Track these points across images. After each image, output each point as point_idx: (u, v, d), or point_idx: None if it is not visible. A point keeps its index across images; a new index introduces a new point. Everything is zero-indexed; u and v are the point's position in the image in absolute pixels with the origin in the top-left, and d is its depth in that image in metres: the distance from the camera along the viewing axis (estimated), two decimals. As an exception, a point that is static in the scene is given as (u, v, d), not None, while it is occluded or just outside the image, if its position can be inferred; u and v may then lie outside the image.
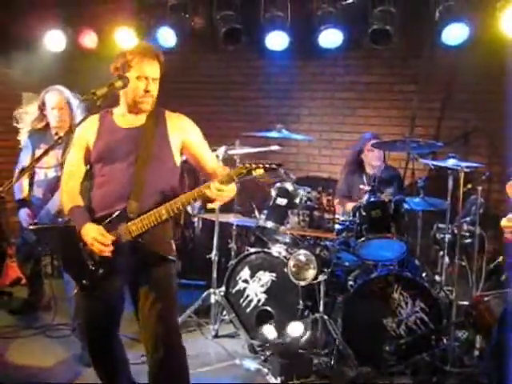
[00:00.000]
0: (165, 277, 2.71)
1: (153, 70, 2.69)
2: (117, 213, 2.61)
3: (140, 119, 2.76)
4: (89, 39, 5.75)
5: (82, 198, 2.74)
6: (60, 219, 3.67)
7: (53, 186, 3.82)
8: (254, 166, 2.40)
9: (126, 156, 2.66)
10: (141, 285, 2.66)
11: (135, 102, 2.70)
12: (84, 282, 2.70)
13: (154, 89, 2.73)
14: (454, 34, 4.81)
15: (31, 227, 3.13)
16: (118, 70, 2.67)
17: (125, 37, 5.58)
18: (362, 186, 4.38)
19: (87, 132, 2.76)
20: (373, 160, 4.79)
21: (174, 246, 2.80)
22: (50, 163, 3.83)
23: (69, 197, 2.74)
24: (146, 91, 2.68)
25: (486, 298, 3.84)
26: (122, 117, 2.78)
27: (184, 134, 2.80)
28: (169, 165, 2.76)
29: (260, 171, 2.41)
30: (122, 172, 2.65)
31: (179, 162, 2.82)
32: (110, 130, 2.75)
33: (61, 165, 3.77)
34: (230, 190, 2.52)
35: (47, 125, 4.06)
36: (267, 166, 2.41)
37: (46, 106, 4.01)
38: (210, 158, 2.90)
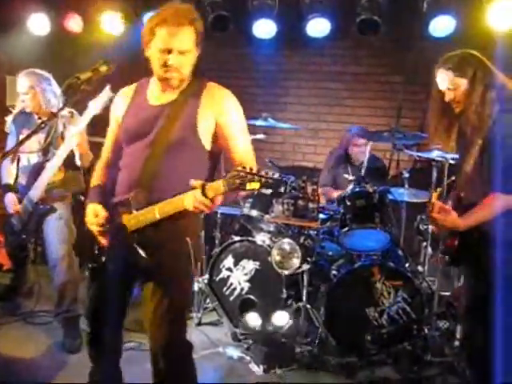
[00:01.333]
0: (173, 277, 2.41)
1: (179, 40, 2.28)
2: (118, 199, 2.43)
3: (172, 94, 2.42)
4: (74, 23, 5.66)
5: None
6: (41, 206, 3.65)
7: (35, 172, 3.73)
8: (249, 177, 2.02)
9: (145, 137, 2.38)
10: (148, 282, 2.44)
11: (159, 77, 2.39)
12: (90, 265, 2.56)
13: (180, 62, 2.32)
14: (442, 25, 4.83)
15: None
16: (145, 37, 2.34)
17: (111, 21, 5.50)
18: (346, 176, 4.39)
19: (116, 109, 2.54)
20: (359, 155, 4.81)
21: (190, 244, 2.41)
22: (33, 148, 3.75)
23: (94, 177, 2.58)
24: (166, 66, 2.31)
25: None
26: (156, 92, 2.46)
27: (219, 112, 2.39)
28: (193, 150, 2.38)
29: (255, 185, 2.02)
30: (138, 155, 2.38)
31: (209, 147, 2.43)
32: (139, 106, 2.47)
33: (43, 150, 3.72)
34: (215, 204, 2.17)
35: None
36: (264, 180, 2.03)
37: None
38: (243, 149, 2.42)
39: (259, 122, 4.56)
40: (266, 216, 4.14)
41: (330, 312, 3.91)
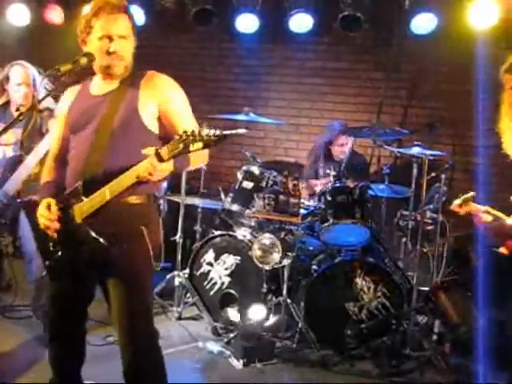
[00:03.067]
0: (130, 266, 2.36)
1: (117, 25, 2.33)
2: (69, 190, 2.37)
3: (114, 84, 2.44)
4: (54, 14, 5.60)
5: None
6: (19, 200, 3.59)
7: (11, 165, 3.66)
8: (191, 138, 2.00)
9: (90, 126, 2.37)
10: (106, 274, 2.38)
11: (102, 66, 2.39)
12: (47, 262, 2.49)
13: (122, 48, 2.36)
14: (423, 23, 4.87)
15: None
16: (82, 33, 2.38)
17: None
18: (328, 171, 4.41)
19: (63, 104, 2.54)
20: (340, 154, 4.82)
21: (147, 233, 2.38)
22: (9, 141, 3.70)
23: (44, 174, 2.56)
24: (110, 52, 2.34)
25: (445, 284, 3.93)
26: (98, 83, 2.48)
27: (160, 99, 2.40)
28: (139, 133, 2.37)
29: (199, 145, 2.01)
30: (83, 144, 2.38)
31: (157, 130, 2.42)
32: (83, 99, 2.48)
33: (20, 143, 3.67)
34: (165, 169, 2.17)
35: (8, 102, 3.91)
36: (206, 138, 2.00)
37: (11, 81, 3.85)
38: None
39: (241, 117, 4.55)
40: (247, 211, 4.15)
41: (310, 307, 3.92)
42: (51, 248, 2.44)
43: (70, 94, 2.56)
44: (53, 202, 2.38)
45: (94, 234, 2.29)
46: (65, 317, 2.52)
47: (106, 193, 2.24)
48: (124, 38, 2.36)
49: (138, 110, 2.37)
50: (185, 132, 2.02)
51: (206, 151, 2.38)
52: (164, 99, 2.41)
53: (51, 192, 2.45)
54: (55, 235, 2.38)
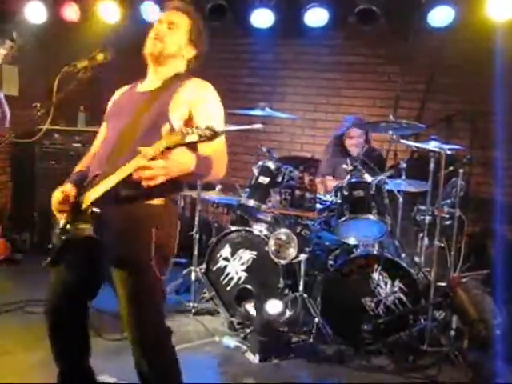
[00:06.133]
0: (137, 256, 2.31)
1: (171, 15, 2.47)
2: (88, 180, 2.37)
3: (156, 83, 2.47)
4: (71, 11, 5.62)
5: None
6: None
7: None
8: (187, 130, 2.00)
9: (123, 120, 2.39)
10: (113, 264, 2.33)
11: (147, 53, 2.46)
12: (49, 245, 2.44)
13: (166, 33, 2.44)
14: (440, 16, 4.82)
15: None
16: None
17: (108, 9, 5.49)
18: (344, 166, 4.37)
19: (110, 101, 2.60)
20: (353, 147, 4.78)
21: (157, 235, 2.32)
22: None
23: (79, 164, 2.57)
24: (154, 37, 2.44)
25: (463, 280, 3.90)
26: (145, 82, 2.53)
27: (194, 101, 2.39)
28: (162, 134, 2.27)
29: (194, 137, 2.00)
30: (113, 136, 2.40)
31: None
32: (127, 95, 2.55)
33: None
34: (158, 169, 2.07)
35: None
36: (201, 132, 1.99)
37: None
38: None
39: (257, 112, 4.54)
40: (263, 206, 4.14)
41: (326, 302, 3.91)
42: (57, 232, 2.40)
43: (117, 93, 2.61)
44: (69, 186, 2.36)
45: (85, 224, 2.26)
46: (64, 305, 2.47)
47: (110, 180, 2.20)
48: (172, 24, 2.45)
49: (168, 111, 2.34)
50: (182, 127, 2.04)
51: (224, 163, 2.39)
52: (194, 102, 2.39)
53: (75, 180, 2.43)
54: (62, 218, 2.36)
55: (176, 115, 2.34)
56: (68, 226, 2.37)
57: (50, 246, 2.44)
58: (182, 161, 2.13)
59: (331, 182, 4.63)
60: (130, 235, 2.31)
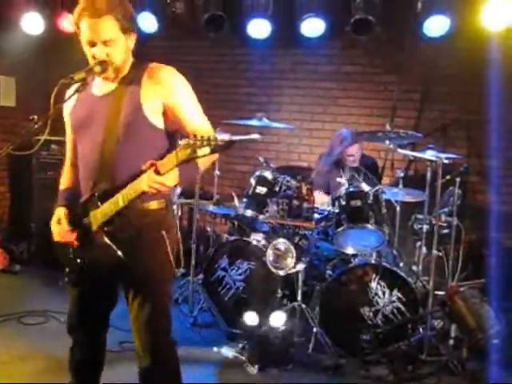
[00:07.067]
0: (150, 273, 2.35)
1: (99, 30, 2.19)
2: (85, 198, 2.36)
3: (114, 83, 2.36)
4: (67, 22, 5.63)
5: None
6: None
7: None
8: (198, 143, 1.94)
9: (95, 129, 2.30)
10: (127, 282, 2.39)
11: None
12: (67, 269, 2.47)
13: (105, 52, 2.24)
14: (436, 25, 4.83)
15: None
16: (77, 33, 2.27)
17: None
18: (338, 180, 4.35)
19: (66, 105, 2.41)
20: (353, 163, 4.74)
21: (168, 239, 2.38)
22: None
23: (62, 180, 2.55)
24: (95, 58, 2.25)
25: (461, 289, 3.90)
26: (99, 82, 2.38)
27: (165, 93, 2.30)
28: (146, 131, 2.30)
29: (206, 150, 1.96)
30: (92, 148, 2.31)
31: (162, 126, 2.34)
32: (85, 99, 2.37)
33: None
34: (170, 180, 2.12)
35: None
36: (213, 143, 1.95)
37: None
38: (198, 124, 2.31)
39: (254, 122, 4.55)
40: (261, 216, 4.14)
41: (324, 312, 3.91)
42: (70, 255, 2.43)
43: (72, 93, 2.37)
44: (63, 213, 2.39)
45: (109, 242, 2.27)
46: (86, 323, 2.52)
47: (119, 200, 2.22)
48: (108, 41, 2.23)
49: (141, 107, 2.28)
50: (194, 136, 1.97)
51: (210, 159, 2.33)
52: (168, 93, 2.31)
53: (67, 200, 2.45)
54: (75, 243, 2.38)
55: (150, 110, 2.30)
56: (82, 249, 2.39)
57: (67, 270, 2.46)
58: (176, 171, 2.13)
59: (321, 198, 4.59)
60: (145, 245, 2.33)
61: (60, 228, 2.39)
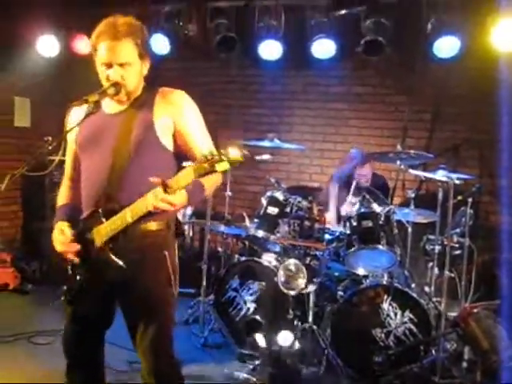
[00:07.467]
0: (153, 295, 2.35)
1: (116, 53, 2.26)
2: (88, 213, 2.34)
3: (126, 103, 2.39)
4: (82, 44, 5.73)
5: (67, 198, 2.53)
6: None
7: None
8: (216, 158, 1.92)
9: (105, 147, 2.32)
10: (128, 303, 2.38)
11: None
12: (65, 287, 2.44)
13: (122, 76, 2.29)
14: (446, 46, 4.84)
15: None
16: (93, 54, 2.33)
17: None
18: (348, 199, 4.35)
19: (73, 122, 2.39)
20: (365, 182, 4.75)
21: (169, 259, 2.38)
22: None
23: (60, 196, 2.56)
24: (109, 80, 2.29)
25: (474, 310, 3.86)
26: (109, 101, 2.39)
27: (175, 113, 2.35)
28: (156, 152, 2.33)
29: (225, 165, 1.93)
30: (100, 165, 2.32)
31: (172, 147, 2.38)
32: (94, 116, 2.38)
33: None
34: (180, 200, 2.12)
35: None
36: (233, 157, 1.93)
37: None
38: (206, 148, 2.16)
39: (265, 143, 4.58)
40: (272, 236, 4.14)
41: (336, 333, 3.88)
42: (69, 271, 2.40)
43: (78, 111, 2.41)
44: (66, 225, 2.37)
45: (115, 258, 2.25)
46: (82, 342, 2.49)
47: (127, 216, 2.21)
48: (125, 64, 2.29)
49: (154, 127, 2.32)
50: (210, 152, 1.96)
51: (218, 180, 2.34)
52: (179, 115, 2.36)
53: (67, 215, 2.45)
54: (75, 259, 2.35)
55: (162, 131, 2.33)
56: (82, 266, 2.37)
57: (65, 287, 2.43)
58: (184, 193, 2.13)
59: (330, 217, 4.58)
60: (147, 263, 2.33)
61: (63, 238, 2.35)
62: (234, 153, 1.94)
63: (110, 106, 2.42)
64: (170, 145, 2.38)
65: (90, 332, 2.49)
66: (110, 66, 2.29)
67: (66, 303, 2.45)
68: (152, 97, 2.38)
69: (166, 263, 2.37)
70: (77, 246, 2.34)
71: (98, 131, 2.38)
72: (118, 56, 2.27)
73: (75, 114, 2.41)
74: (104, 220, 2.28)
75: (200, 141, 2.37)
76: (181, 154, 2.42)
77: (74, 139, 2.48)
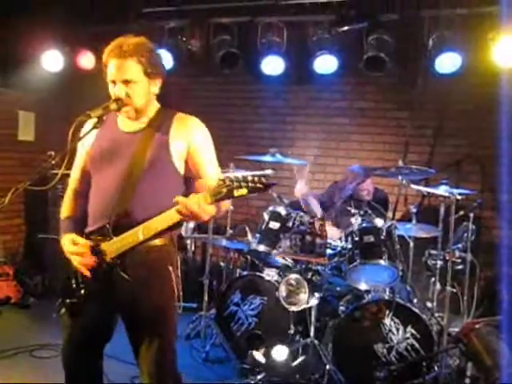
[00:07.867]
0: (158, 309, 2.39)
1: (121, 70, 2.35)
2: (93, 228, 2.38)
3: (142, 122, 2.46)
4: (86, 60, 5.78)
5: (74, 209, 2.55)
6: None
7: None
8: (235, 184, 2.00)
9: (119, 163, 2.38)
10: (133, 315, 2.40)
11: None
12: (67, 300, 2.44)
13: (124, 92, 2.36)
14: (447, 62, 4.87)
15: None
16: (105, 73, 2.42)
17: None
18: (349, 209, 4.35)
19: (86, 137, 2.42)
20: (366, 196, 4.77)
21: (174, 274, 2.43)
22: None
23: (64, 209, 2.57)
24: (114, 96, 2.38)
25: (477, 325, 3.84)
26: (125, 119, 2.47)
27: (190, 139, 2.42)
28: (169, 174, 2.40)
29: (243, 191, 2.00)
30: (113, 181, 2.37)
31: (183, 171, 2.45)
32: (110, 132, 2.46)
33: None
34: (210, 211, 2.18)
35: None
36: (252, 184, 2.00)
37: None
38: (215, 176, 2.34)
39: (267, 158, 4.59)
40: (274, 251, 4.14)
41: (338, 348, 3.87)
42: (73, 285, 2.42)
43: (88, 131, 2.41)
44: (75, 236, 2.38)
45: (123, 274, 2.29)
46: (82, 355, 2.50)
47: (138, 234, 2.25)
48: (129, 82, 2.36)
49: (169, 149, 2.38)
50: (228, 177, 2.01)
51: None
52: (193, 136, 2.43)
53: (72, 228, 2.46)
54: (88, 272, 2.36)
55: (176, 154, 2.40)
56: (88, 279, 2.38)
57: (68, 300, 2.44)
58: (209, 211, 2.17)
59: (331, 231, 4.56)
60: (153, 278, 2.37)
61: (78, 248, 2.35)
62: (255, 179, 1.99)
63: (126, 125, 2.48)
64: (181, 168, 2.44)
65: (91, 345, 2.50)
66: (115, 82, 2.37)
67: (69, 316, 2.46)
68: (169, 120, 2.45)
69: (171, 277, 2.42)
70: (93, 259, 2.35)
71: (113, 147, 2.42)
72: (123, 74, 2.35)
73: (87, 127, 2.43)
74: (113, 236, 2.31)
75: (208, 165, 2.46)
76: (189, 178, 2.48)
77: (86, 152, 2.52)
